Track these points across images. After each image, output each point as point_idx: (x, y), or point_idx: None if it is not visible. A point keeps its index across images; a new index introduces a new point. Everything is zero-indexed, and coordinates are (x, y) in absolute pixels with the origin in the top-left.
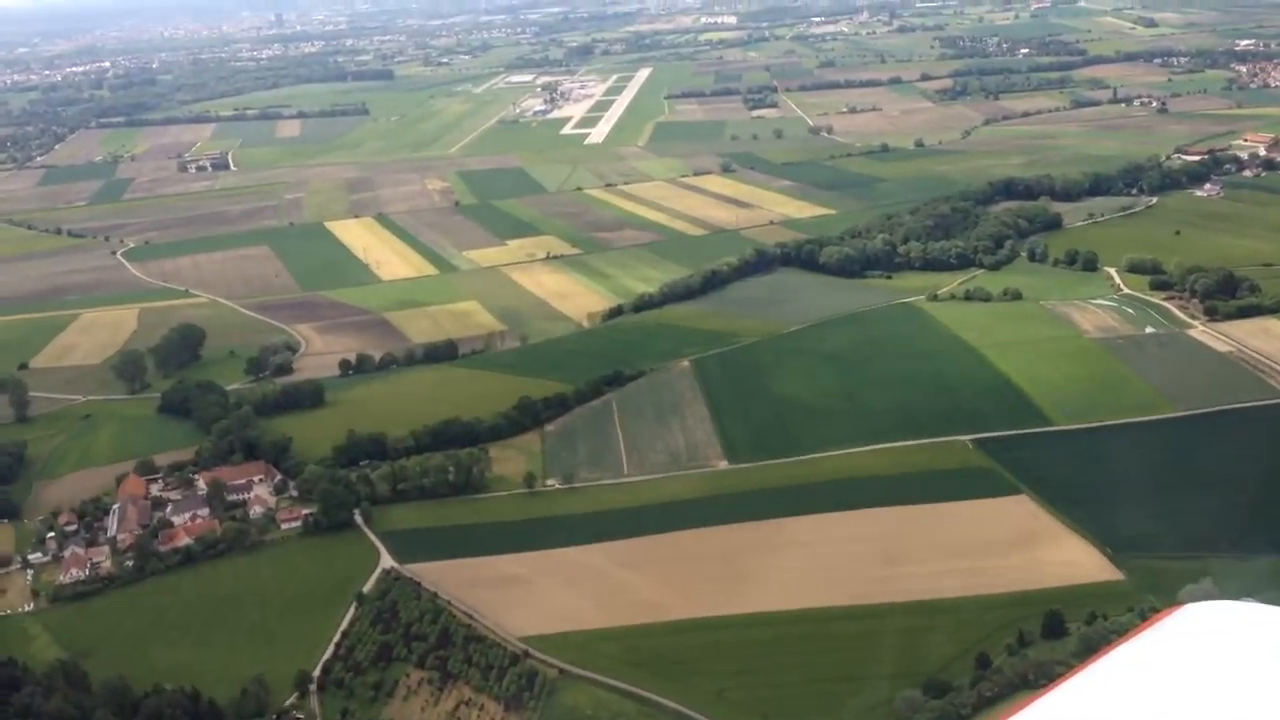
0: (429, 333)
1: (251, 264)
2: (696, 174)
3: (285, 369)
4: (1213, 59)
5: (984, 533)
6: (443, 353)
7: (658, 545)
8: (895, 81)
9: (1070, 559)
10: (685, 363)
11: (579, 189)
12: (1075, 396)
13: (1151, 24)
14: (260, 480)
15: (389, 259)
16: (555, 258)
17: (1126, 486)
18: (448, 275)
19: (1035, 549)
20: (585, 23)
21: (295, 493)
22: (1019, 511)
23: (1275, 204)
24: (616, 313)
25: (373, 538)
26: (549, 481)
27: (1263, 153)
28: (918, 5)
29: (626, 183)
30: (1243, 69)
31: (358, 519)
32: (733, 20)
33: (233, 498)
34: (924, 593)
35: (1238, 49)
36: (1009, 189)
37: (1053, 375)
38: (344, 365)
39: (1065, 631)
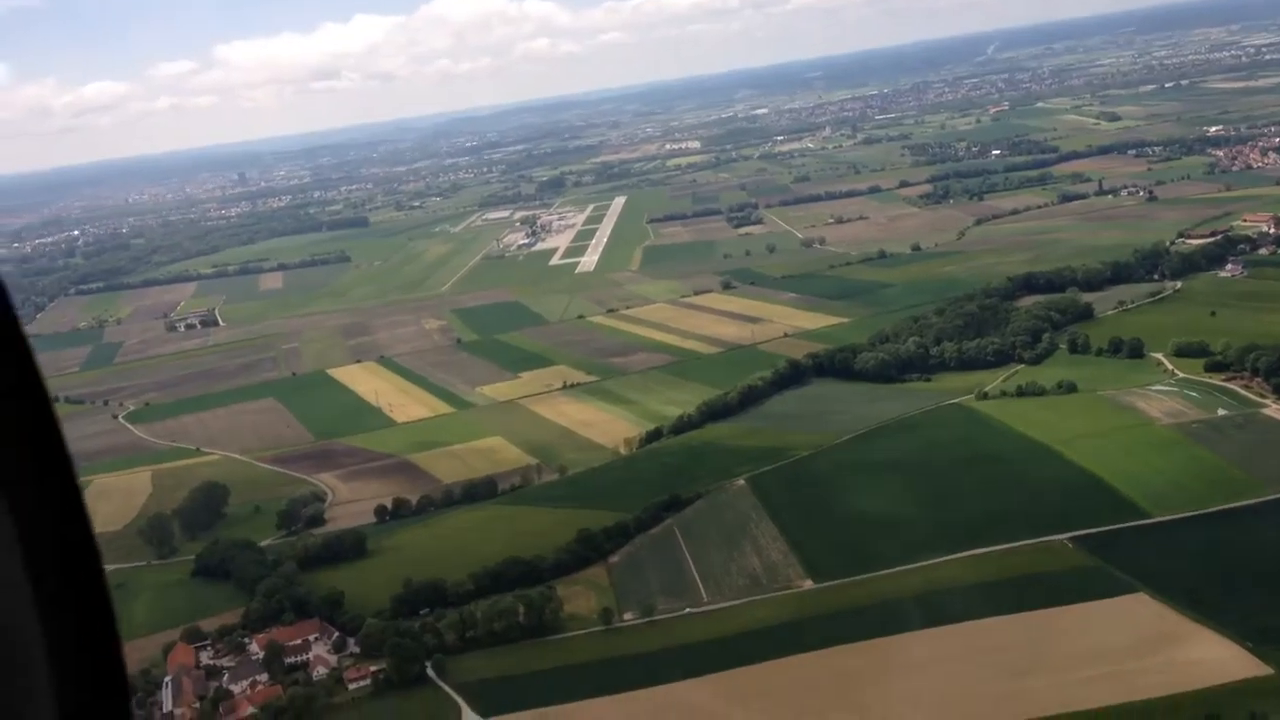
0: (459, 472)
1: (260, 417)
2: (697, 293)
3: (318, 520)
4: (1186, 146)
5: (1111, 636)
6: (482, 491)
7: (761, 676)
8: (875, 190)
9: (1211, 657)
10: (741, 481)
11: (581, 317)
12: (1165, 486)
13: (1115, 118)
14: (317, 638)
15: (401, 401)
16: (572, 386)
17: (1250, 575)
18: (465, 413)
19: (1171, 649)
20: (550, 158)
21: (357, 649)
22: (1142, 611)
23: None
24: (655, 436)
25: (450, 691)
26: (626, 616)
27: (1271, 230)
28: (876, 118)
29: (628, 307)
30: (1220, 153)
31: (430, 672)
32: (697, 145)
33: (291, 660)
34: (1064, 704)
35: (1209, 135)
36: (1030, 283)
37: (1136, 466)
38: (380, 511)
39: None
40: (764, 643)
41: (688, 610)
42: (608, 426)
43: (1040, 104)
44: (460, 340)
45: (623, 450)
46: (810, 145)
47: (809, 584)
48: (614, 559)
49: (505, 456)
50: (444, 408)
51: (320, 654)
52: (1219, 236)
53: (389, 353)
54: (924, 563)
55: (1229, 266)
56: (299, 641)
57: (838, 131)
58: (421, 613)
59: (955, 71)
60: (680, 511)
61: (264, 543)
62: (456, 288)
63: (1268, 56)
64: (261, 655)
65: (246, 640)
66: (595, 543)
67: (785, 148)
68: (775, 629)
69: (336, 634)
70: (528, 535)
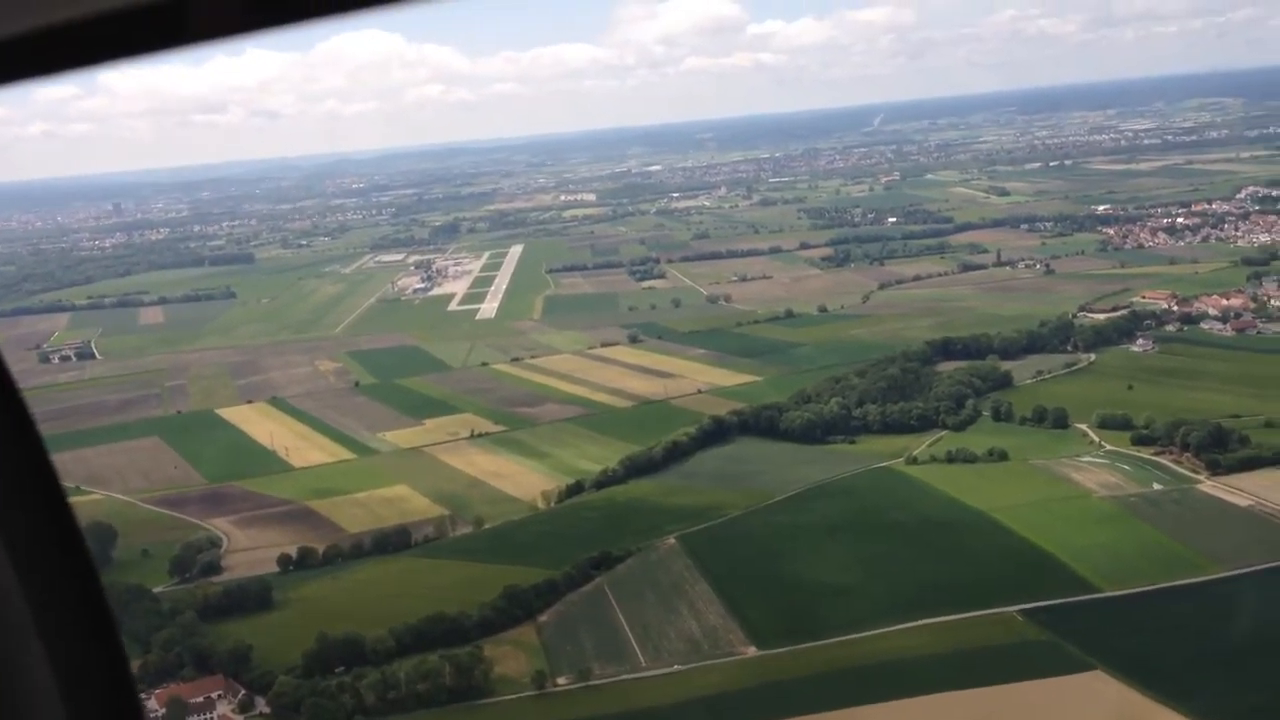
0: (364, 521)
1: (144, 455)
2: (604, 345)
3: (214, 568)
4: (1077, 223)
5: (1076, 717)
6: (394, 542)
7: None
8: (776, 250)
9: None
10: (672, 540)
11: (484, 364)
12: (1112, 559)
13: (1004, 193)
14: (221, 696)
15: (297, 445)
16: (480, 436)
17: (1209, 656)
18: (367, 459)
19: None
20: (442, 203)
21: (267, 709)
22: (1102, 689)
23: (1212, 357)
24: (577, 490)
25: None
26: (559, 680)
27: (1176, 308)
28: (770, 180)
29: (533, 356)
30: (1110, 231)
31: None
32: (593, 198)
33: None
34: None
35: (1098, 213)
36: (947, 349)
37: (1079, 539)
38: (284, 560)
39: None
40: (710, 713)
41: (626, 675)
42: (521, 479)
43: (929, 176)
44: (358, 383)
45: (541, 504)
46: (706, 203)
47: (752, 650)
48: (543, 618)
49: (413, 506)
50: (344, 453)
51: (225, 713)
52: (1121, 312)
53: (282, 394)
54: (871, 632)
55: (1140, 341)
56: (201, 699)
57: (733, 191)
58: (337, 671)
59: (844, 140)
60: (611, 570)
61: (156, 589)
62: (351, 329)
63: (1145, 141)
64: (161, 713)
65: (145, 696)
66: (523, 600)
67: (682, 204)
68: (721, 698)
69: (243, 692)
70: (448, 590)
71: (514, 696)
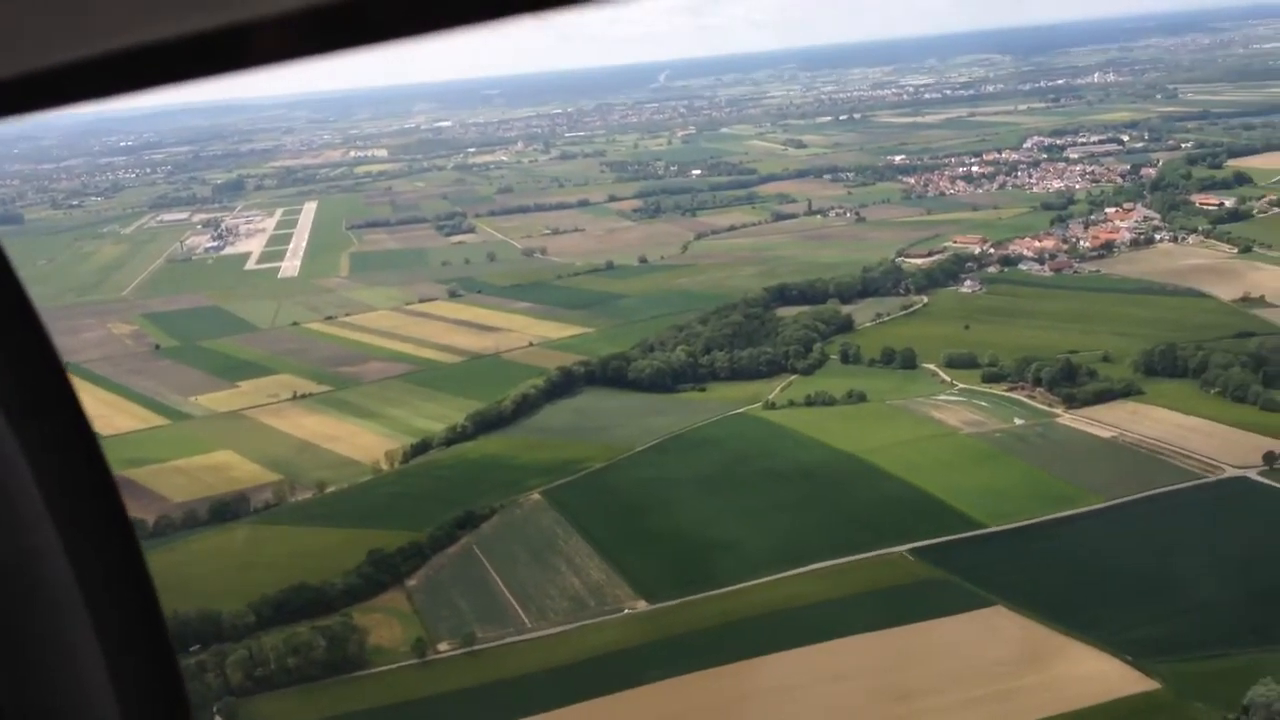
0: (190, 490)
1: None
2: (421, 300)
3: None
4: (878, 173)
5: (980, 653)
6: (232, 510)
7: (611, 710)
8: (584, 204)
9: (1094, 672)
10: (536, 495)
11: (296, 324)
12: (990, 495)
13: (801, 145)
14: None
15: (101, 412)
16: (303, 397)
17: (1104, 586)
18: (182, 424)
19: (1051, 665)
20: (222, 160)
21: None
22: (1005, 625)
23: (1037, 296)
24: (423, 449)
25: None
26: (441, 646)
27: (991, 251)
28: (567, 135)
29: (347, 314)
30: (911, 181)
31: None
32: (384, 153)
33: None
34: None
35: (895, 164)
36: (784, 295)
37: (954, 476)
38: None
39: None
40: (607, 672)
41: (511, 638)
42: (356, 440)
43: (724, 130)
44: (159, 346)
45: (385, 465)
46: (505, 158)
47: (642, 605)
48: (412, 582)
49: (242, 473)
50: (156, 419)
51: None
52: (938, 256)
53: (76, 359)
54: (761, 580)
55: (967, 283)
56: None
57: (530, 146)
58: (192, 649)
59: (634, 96)
60: (477, 529)
61: None
62: (141, 291)
63: (926, 95)
64: None
65: None
66: (389, 565)
67: (480, 160)
68: (616, 656)
69: None
70: (304, 558)
71: (394, 666)
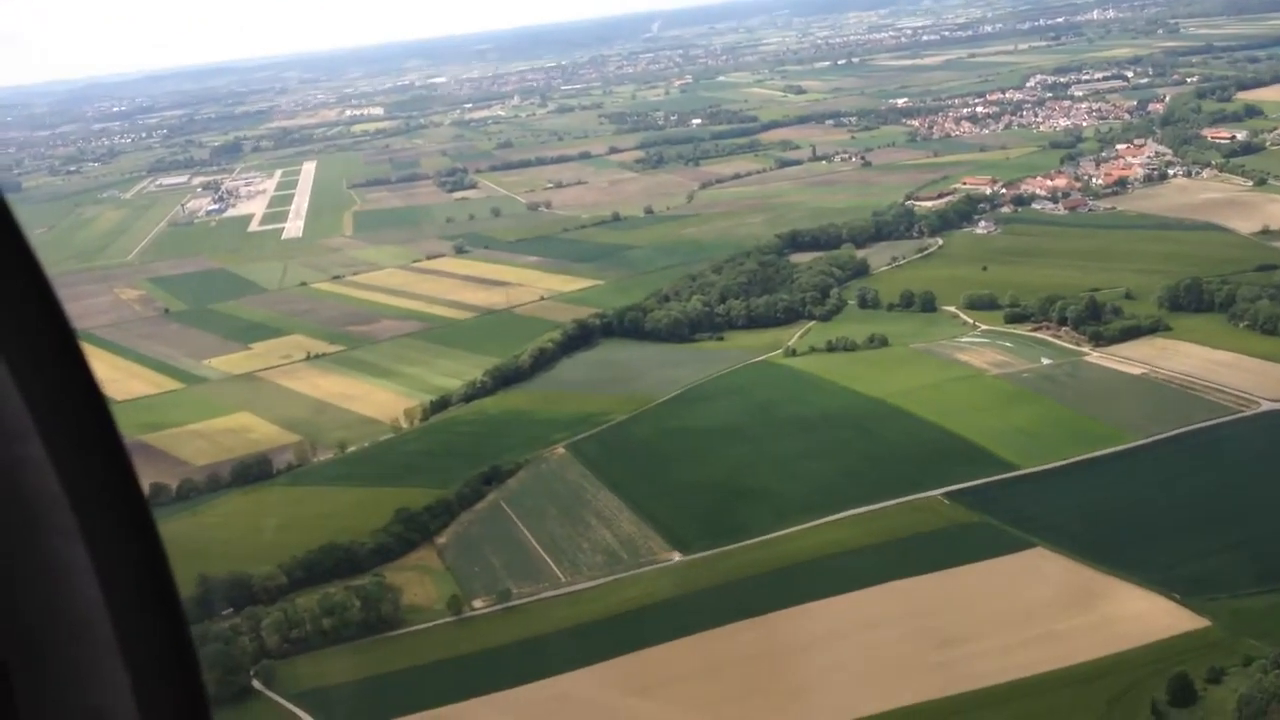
0: (210, 454)
1: None
2: (429, 258)
3: None
4: (881, 116)
5: (1026, 596)
6: (255, 472)
7: (656, 661)
8: (586, 156)
9: (1142, 611)
10: (561, 449)
11: (304, 284)
12: (1022, 436)
13: (800, 91)
14: None
15: (115, 377)
16: (318, 357)
17: (1144, 524)
18: (197, 388)
19: (1099, 606)
20: (217, 123)
21: None
22: (1049, 567)
23: (1053, 235)
24: (442, 406)
25: (288, 704)
26: (476, 603)
27: (1003, 191)
28: (563, 89)
29: (355, 273)
30: (916, 123)
31: (256, 684)
32: (380, 111)
33: None
34: (1006, 672)
35: (898, 107)
36: (796, 241)
37: (984, 418)
38: None
39: (1195, 696)
40: (648, 624)
41: (547, 593)
42: (374, 398)
43: (722, 78)
44: (168, 310)
45: (405, 423)
46: (502, 113)
47: (677, 557)
48: (441, 539)
49: (261, 435)
50: (170, 383)
51: None
52: (949, 198)
53: (85, 325)
54: (796, 528)
55: (982, 224)
56: None
57: (527, 100)
58: (224, 613)
59: (628, 47)
60: (503, 484)
61: None
62: (146, 255)
63: (924, 37)
64: None
65: None
66: (418, 523)
67: (477, 115)
68: (656, 608)
69: None
70: (331, 518)
71: (430, 625)
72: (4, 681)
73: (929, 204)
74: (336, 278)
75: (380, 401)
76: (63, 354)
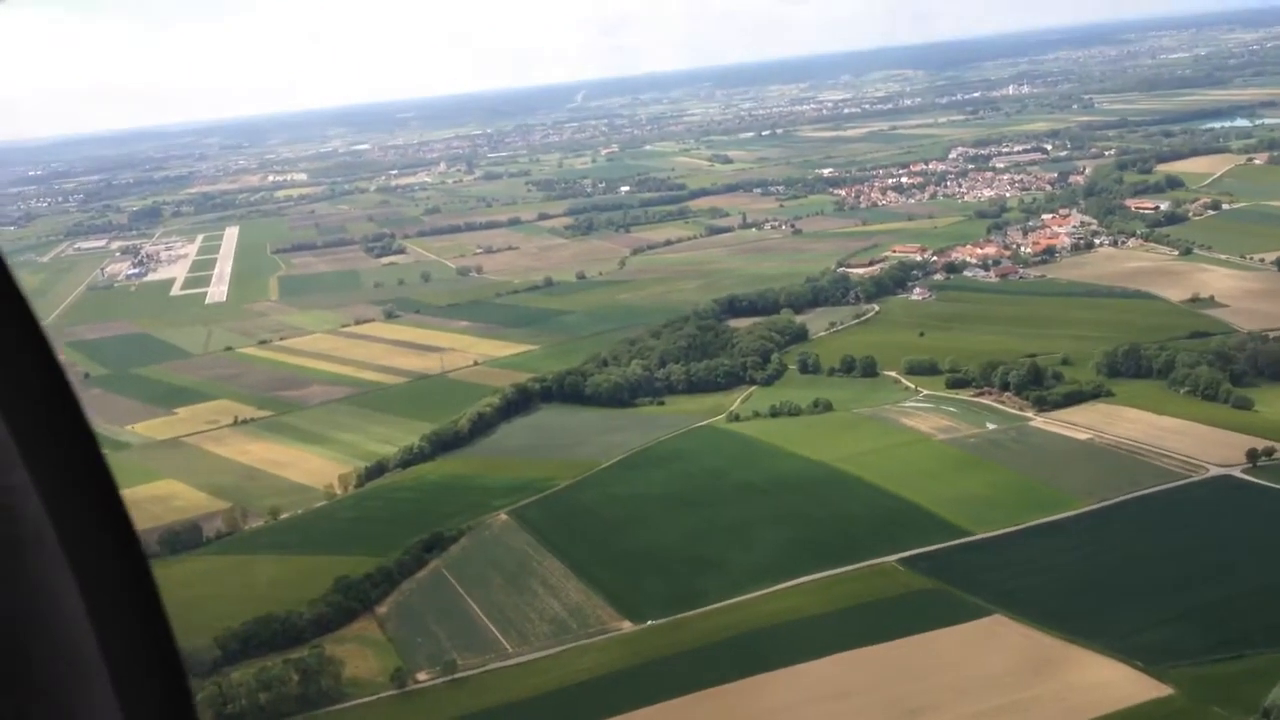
0: (137, 521)
1: None
2: (358, 322)
3: None
4: (808, 186)
5: (988, 665)
6: (183, 540)
7: None
8: (515, 222)
9: (1102, 680)
10: (504, 516)
11: (229, 349)
12: (973, 502)
13: (727, 160)
14: None
15: None
16: (245, 422)
17: (1102, 590)
18: (120, 454)
19: (1060, 674)
20: (136, 188)
21: None
22: (1007, 634)
23: (987, 301)
24: (378, 472)
25: None
26: (420, 676)
27: (934, 259)
28: (489, 156)
29: (281, 338)
30: (842, 192)
31: None
32: (304, 177)
33: None
34: None
35: (824, 176)
36: (733, 306)
37: (935, 483)
38: None
39: None
40: (603, 696)
41: (494, 664)
42: (306, 464)
43: (648, 147)
44: (88, 375)
45: (339, 490)
46: (428, 180)
47: (628, 626)
48: (382, 609)
49: (188, 502)
50: None
51: None
52: (879, 265)
53: None
54: (750, 595)
55: (917, 291)
56: None
57: (453, 167)
58: None
59: (553, 116)
60: (445, 551)
61: None
62: (65, 319)
63: (846, 110)
64: None
65: None
66: (359, 591)
67: (402, 181)
68: (610, 679)
69: None
70: (267, 587)
71: (373, 698)
72: None
73: (861, 271)
74: (263, 342)
75: (313, 468)
76: (48, 382)
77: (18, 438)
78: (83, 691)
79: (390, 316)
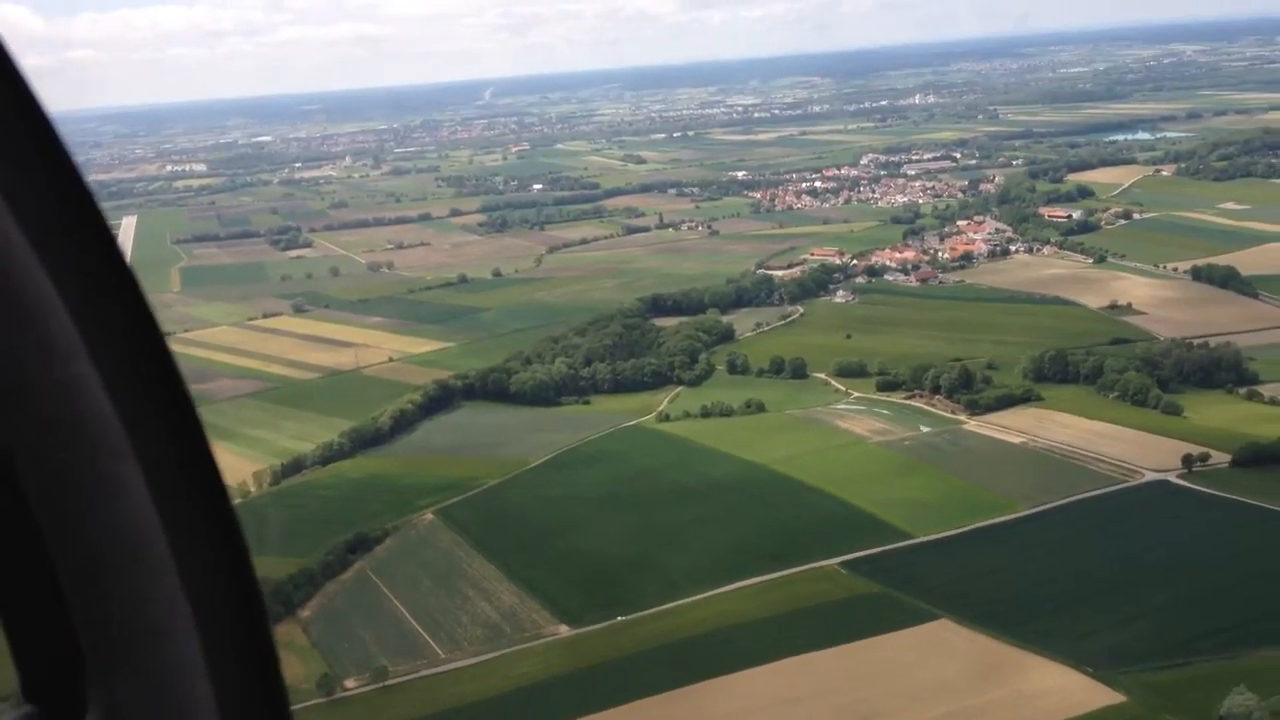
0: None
1: None
2: (265, 316)
3: None
4: (723, 188)
5: (938, 669)
6: None
7: None
8: (426, 218)
9: (1054, 686)
10: (430, 515)
11: None
12: (912, 505)
13: (640, 161)
14: None
15: None
16: None
17: (1046, 595)
18: None
19: (1008, 681)
20: None
21: None
22: (955, 639)
23: (911, 306)
24: (295, 469)
25: None
26: (349, 683)
27: (853, 262)
28: (396, 151)
29: (185, 330)
30: (757, 195)
31: None
32: (203, 168)
33: None
34: None
35: (738, 179)
36: (657, 305)
37: (872, 486)
38: None
39: None
40: (542, 703)
41: (426, 670)
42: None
43: (560, 145)
44: None
45: (254, 487)
46: (334, 173)
47: (565, 630)
48: (305, 613)
49: None
50: None
51: None
52: (799, 267)
53: None
54: (691, 599)
55: (840, 293)
56: None
57: (360, 161)
58: None
59: (461, 113)
60: (370, 552)
61: None
62: None
63: (756, 115)
64: None
65: None
66: (280, 594)
67: (307, 174)
68: (549, 685)
69: None
70: None
71: (299, 706)
72: (62, 605)
73: (782, 273)
74: (167, 334)
75: (224, 464)
76: (114, 276)
77: (81, 328)
78: (152, 585)
79: (299, 311)
